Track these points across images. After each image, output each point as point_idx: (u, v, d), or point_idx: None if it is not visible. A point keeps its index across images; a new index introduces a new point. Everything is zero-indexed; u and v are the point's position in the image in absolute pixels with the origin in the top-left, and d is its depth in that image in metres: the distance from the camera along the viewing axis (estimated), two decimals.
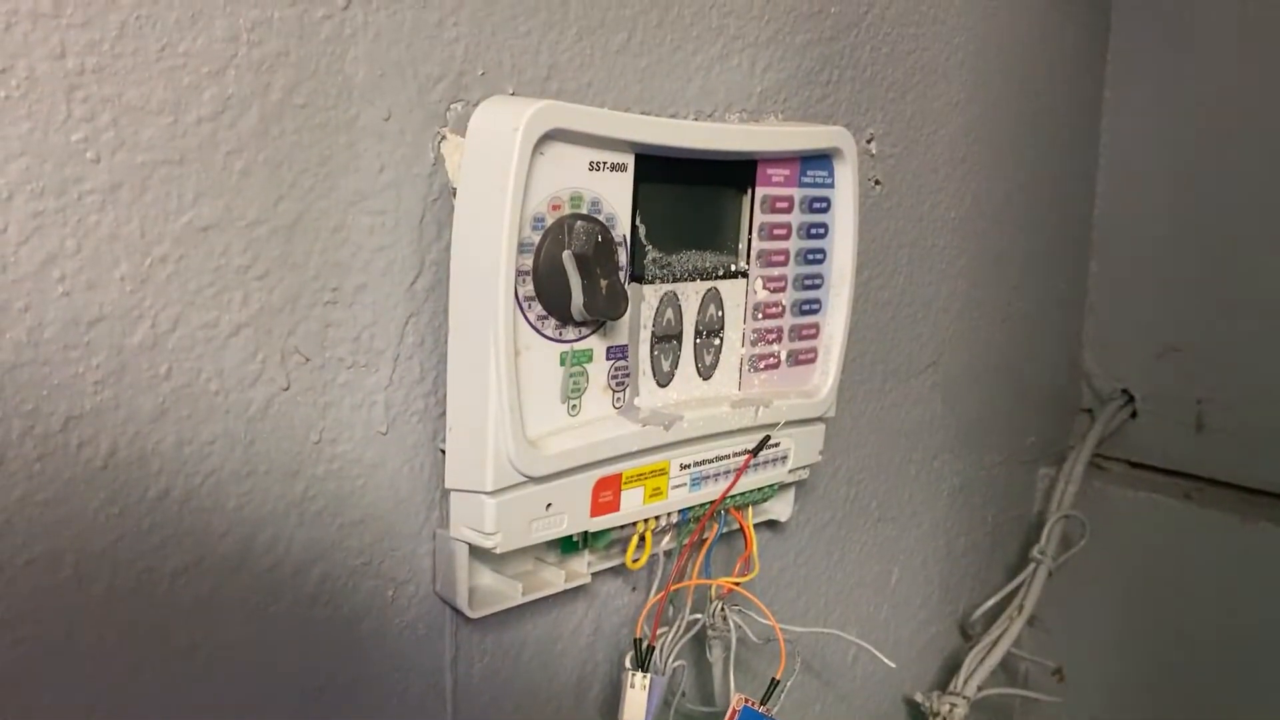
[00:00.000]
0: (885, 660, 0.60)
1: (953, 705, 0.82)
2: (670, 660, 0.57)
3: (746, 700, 0.52)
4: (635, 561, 0.57)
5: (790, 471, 0.63)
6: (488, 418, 0.47)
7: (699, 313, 0.56)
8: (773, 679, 0.54)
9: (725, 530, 0.63)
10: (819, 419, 0.64)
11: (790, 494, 0.68)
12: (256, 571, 0.45)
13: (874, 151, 0.72)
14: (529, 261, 0.47)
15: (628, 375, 0.53)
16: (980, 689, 0.84)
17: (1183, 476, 0.96)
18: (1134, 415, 0.99)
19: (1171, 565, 0.94)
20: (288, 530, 0.46)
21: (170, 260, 0.41)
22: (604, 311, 0.48)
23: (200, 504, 0.43)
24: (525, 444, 0.48)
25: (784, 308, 0.60)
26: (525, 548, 0.54)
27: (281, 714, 0.47)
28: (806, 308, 0.62)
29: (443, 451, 0.50)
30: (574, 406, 0.51)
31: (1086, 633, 0.97)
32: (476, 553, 0.51)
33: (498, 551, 0.49)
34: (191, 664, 0.44)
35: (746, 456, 0.59)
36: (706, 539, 0.61)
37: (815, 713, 0.80)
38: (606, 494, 0.53)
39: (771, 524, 0.70)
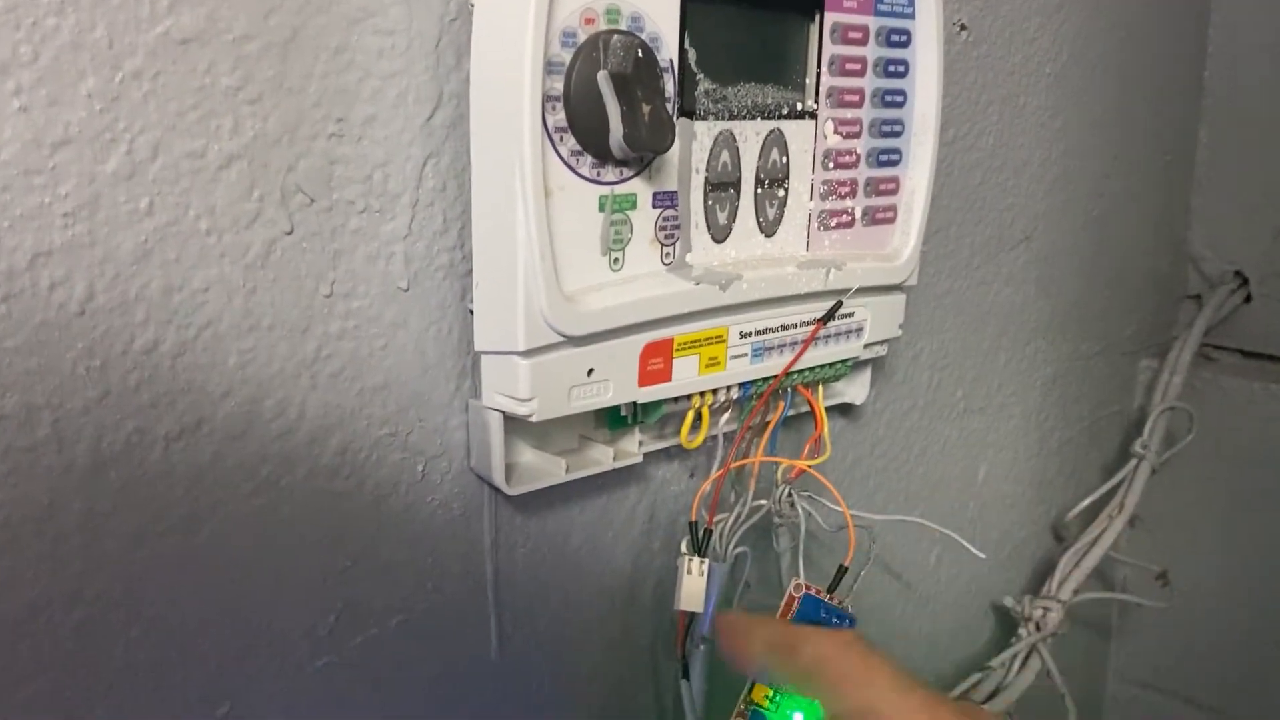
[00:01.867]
0: (973, 550, 0.54)
1: (1046, 610, 0.76)
2: (732, 548, 0.52)
3: (808, 587, 0.46)
4: (691, 441, 0.52)
5: (866, 346, 0.57)
6: (517, 267, 0.41)
7: (760, 158, 0.49)
8: (840, 565, 0.48)
9: (793, 412, 0.57)
10: (898, 287, 0.57)
11: (866, 375, 0.62)
12: (265, 439, 0.41)
13: None
14: (559, 85, 0.41)
15: (678, 227, 0.47)
16: (1076, 593, 0.78)
17: None
18: (1248, 299, 0.90)
19: None
20: (299, 394, 0.41)
21: (145, 76, 0.35)
22: (647, 143, 0.42)
23: (195, 360, 0.38)
24: (561, 298, 0.42)
25: (859, 156, 0.54)
26: (570, 424, 0.50)
27: (302, 596, 0.43)
28: (885, 158, 0.55)
29: (472, 312, 0.45)
30: (616, 260, 0.45)
31: (1193, 534, 0.90)
32: (516, 428, 0.46)
33: (534, 420, 0.43)
34: (194, 538, 0.39)
35: (816, 325, 0.53)
36: (771, 419, 0.55)
37: (896, 616, 0.74)
38: (656, 361, 0.47)
39: (845, 409, 0.64)
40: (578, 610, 0.53)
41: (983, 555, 0.55)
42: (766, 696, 0.45)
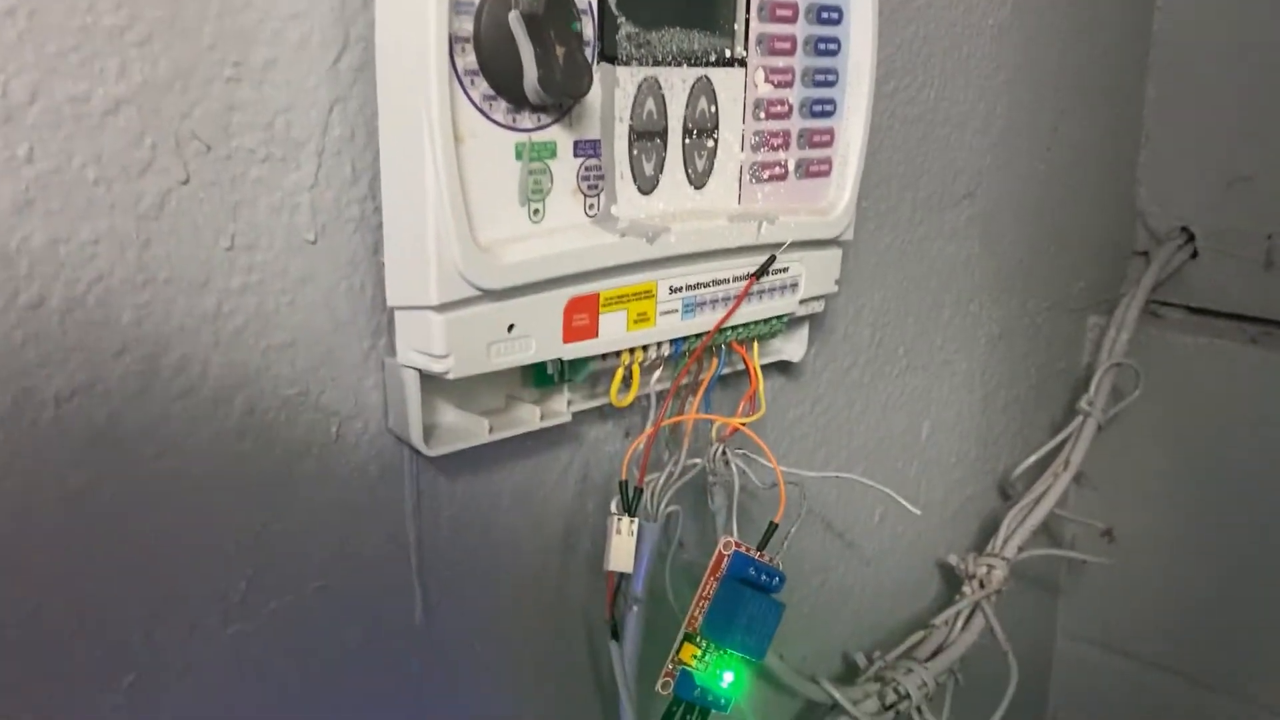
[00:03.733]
0: (908, 506, 0.53)
1: (990, 567, 0.76)
2: (663, 506, 0.51)
3: (737, 545, 0.45)
4: (621, 399, 0.51)
5: (802, 302, 0.56)
6: (427, 216, 0.40)
7: (687, 107, 0.48)
8: (770, 522, 0.47)
9: (728, 370, 0.56)
10: (834, 241, 0.56)
11: (804, 331, 0.61)
12: (164, 399, 0.39)
13: None
14: (469, 25, 0.39)
15: (602, 178, 0.46)
16: (1021, 550, 0.77)
17: (1248, 320, 0.87)
18: (1194, 255, 0.90)
19: (1234, 416, 0.86)
20: (201, 351, 0.39)
21: (19, 14, 0.33)
22: (563, 87, 0.40)
23: (87, 316, 0.36)
24: (475, 250, 0.41)
25: (791, 107, 0.52)
26: (496, 384, 0.48)
27: (211, 562, 0.41)
28: (818, 108, 0.53)
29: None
30: (536, 211, 0.44)
31: (1139, 490, 0.90)
32: (436, 387, 0.45)
33: (451, 377, 0.42)
34: (93, 504, 0.38)
35: (749, 279, 0.52)
36: (705, 376, 0.54)
37: (838, 576, 0.73)
38: (581, 317, 0.46)
39: (784, 366, 0.63)
40: (508, 575, 0.52)
41: (918, 511, 0.55)
42: (694, 656, 0.45)
